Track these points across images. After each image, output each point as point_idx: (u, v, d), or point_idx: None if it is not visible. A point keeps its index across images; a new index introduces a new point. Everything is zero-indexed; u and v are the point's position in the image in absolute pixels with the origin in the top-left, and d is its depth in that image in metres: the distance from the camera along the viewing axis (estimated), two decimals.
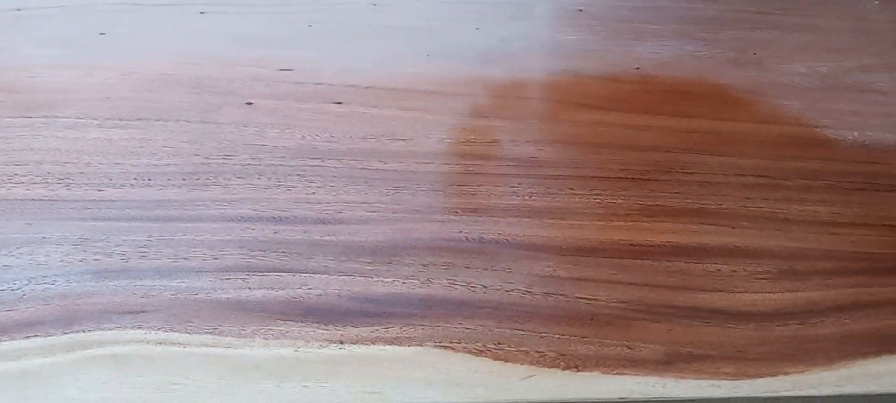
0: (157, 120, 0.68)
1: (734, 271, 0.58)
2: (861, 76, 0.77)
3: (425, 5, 0.82)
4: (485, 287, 0.57)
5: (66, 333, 0.53)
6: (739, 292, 0.57)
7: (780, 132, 0.70)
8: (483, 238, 0.60)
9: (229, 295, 0.56)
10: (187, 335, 0.54)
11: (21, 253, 0.57)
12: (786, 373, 0.53)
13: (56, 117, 0.67)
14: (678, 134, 0.69)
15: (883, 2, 0.88)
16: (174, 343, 0.53)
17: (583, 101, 0.72)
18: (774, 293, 0.57)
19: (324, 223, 0.60)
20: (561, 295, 0.57)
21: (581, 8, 0.83)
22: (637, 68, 0.76)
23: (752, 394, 0.52)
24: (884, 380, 0.53)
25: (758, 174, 0.66)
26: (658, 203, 0.63)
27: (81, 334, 0.53)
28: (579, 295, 0.57)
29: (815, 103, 0.73)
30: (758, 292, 0.57)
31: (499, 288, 0.57)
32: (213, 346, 0.53)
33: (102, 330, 0.54)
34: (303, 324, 0.54)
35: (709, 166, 0.66)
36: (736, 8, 0.84)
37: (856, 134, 0.70)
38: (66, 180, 0.62)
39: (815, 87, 0.75)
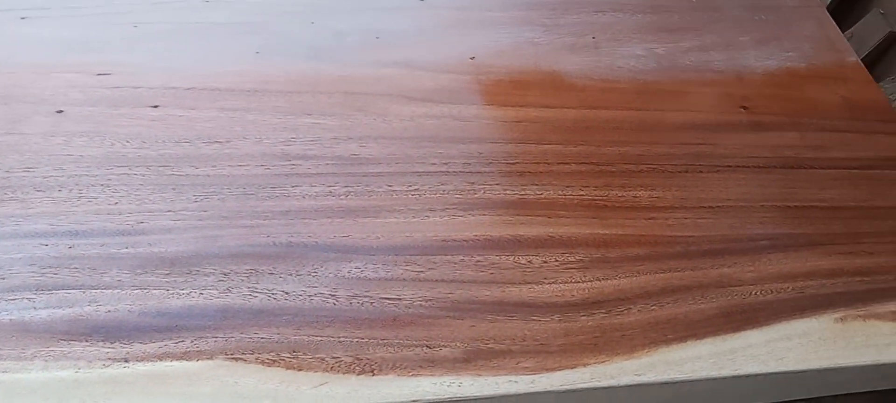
0: None
1: (545, 262, 0.57)
2: (699, 55, 0.77)
3: (260, 1, 0.79)
4: (287, 293, 0.55)
5: None
6: (548, 283, 0.56)
7: (609, 117, 0.69)
8: (292, 241, 0.58)
9: (13, 317, 0.53)
10: None
11: None
12: (585, 364, 0.52)
13: None
14: (505, 124, 0.68)
15: None
16: None
17: (413, 95, 0.70)
18: (583, 282, 0.56)
19: (123, 235, 0.58)
20: (366, 296, 0.55)
21: None
22: (472, 58, 0.74)
23: (549, 388, 0.51)
24: (685, 367, 0.52)
25: (581, 161, 0.65)
26: (477, 196, 0.62)
27: None
28: (384, 296, 0.55)
29: (648, 85, 0.72)
30: (566, 282, 0.56)
31: (301, 293, 0.55)
32: None
33: None
34: (87, 344, 0.51)
35: (533, 155, 0.65)
36: None
37: (684, 114, 0.69)
38: None
39: (651, 69, 0.75)
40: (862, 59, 1.50)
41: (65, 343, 0.51)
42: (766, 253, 0.59)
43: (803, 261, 0.59)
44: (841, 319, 0.56)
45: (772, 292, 0.57)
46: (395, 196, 0.61)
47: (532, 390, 0.51)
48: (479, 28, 0.78)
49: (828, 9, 1.57)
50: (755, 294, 0.56)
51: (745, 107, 0.71)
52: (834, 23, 0.81)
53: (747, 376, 0.53)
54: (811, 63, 0.76)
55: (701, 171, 0.64)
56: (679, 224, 0.60)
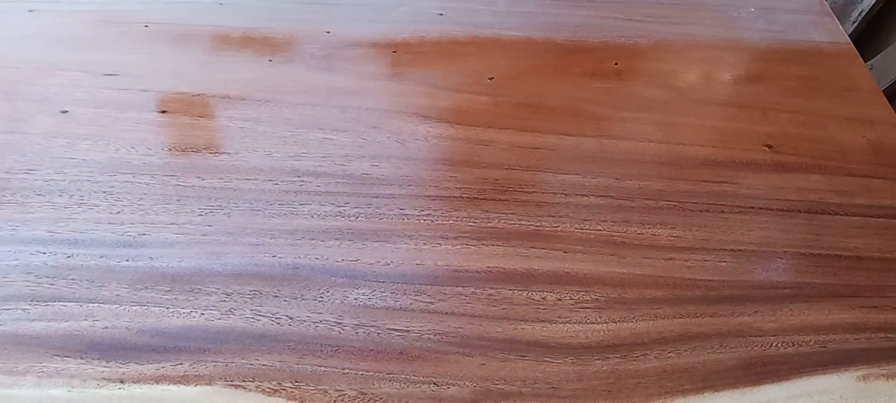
0: None
1: (560, 299, 0.55)
2: (725, 89, 0.75)
3: (275, 6, 0.77)
4: (291, 318, 0.53)
5: None
6: (562, 322, 0.54)
7: (630, 149, 0.67)
8: (298, 263, 0.56)
9: (6, 328, 0.51)
10: None
11: None
12: None
13: None
14: (523, 150, 0.66)
15: (759, 9, 0.86)
16: None
17: (428, 113, 0.68)
18: (599, 323, 0.54)
19: (124, 246, 0.56)
20: (372, 326, 0.53)
21: (441, 12, 0.79)
22: (491, 78, 0.72)
23: None
24: None
25: (600, 194, 0.63)
26: (491, 225, 0.60)
27: None
28: (392, 327, 0.53)
29: (671, 117, 0.70)
30: (581, 322, 0.54)
31: (306, 319, 0.53)
32: None
33: None
34: (82, 361, 0.49)
35: (550, 185, 0.63)
36: (603, 14, 0.81)
37: (706, 150, 0.67)
38: None
39: (674, 100, 0.72)
40: (882, 92, 1.48)
41: (59, 359, 0.49)
42: (789, 303, 0.57)
43: (826, 314, 0.57)
44: (863, 377, 0.54)
45: (793, 345, 0.55)
46: (406, 220, 0.59)
47: None
48: (499, 47, 0.76)
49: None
50: (776, 346, 0.54)
51: (769, 146, 0.68)
52: (863, 63, 0.79)
53: None
54: (838, 104, 0.74)
55: (723, 212, 0.62)
56: (699, 266, 0.58)
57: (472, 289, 0.56)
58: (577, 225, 0.60)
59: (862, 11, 1.59)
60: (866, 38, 1.57)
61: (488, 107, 0.69)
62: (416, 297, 0.55)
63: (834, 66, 0.79)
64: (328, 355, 0.51)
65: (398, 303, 0.54)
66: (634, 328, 0.54)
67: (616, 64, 0.75)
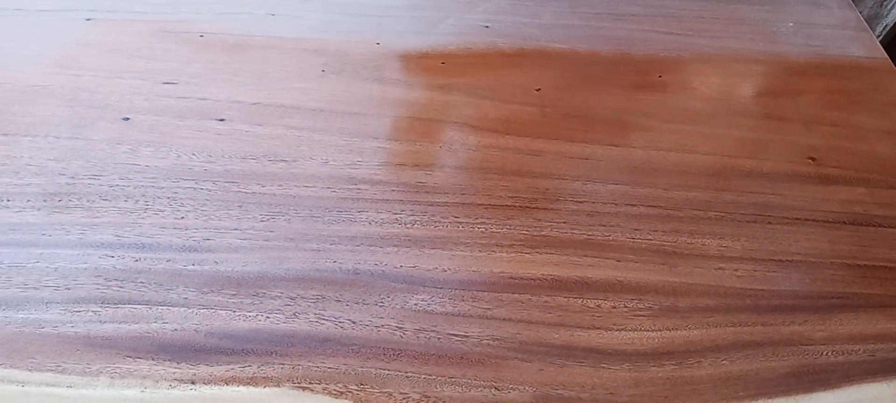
0: (25, 135, 0.64)
1: (614, 307, 0.57)
2: (767, 101, 0.76)
3: (326, 18, 0.79)
4: (354, 322, 0.54)
5: None
6: (617, 329, 0.55)
7: (677, 160, 0.68)
8: (358, 269, 0.57)
9: (78, 329, 0.52)
10: (28, 372, 0.50)
11: None
12: None
13: None
14: (572, 160, 0.67)
15: (798, 24, 0.87)
16: (13, 381, 0.50)
17: (478, 124, 0.69)
18: (653, 331, 0.55)
19: (190, 251, 0.57)
20: (433, 331, 0.54)
21: (487, 25, 0.81)
22: (538, 89, 0.74)
23: None
24: None
25: (649, 204, 0.64)
26: (543, 233, 0.61)
27: None
28: (452, 332, 0.54)
29: (715, 129, 0.72)
30: (636, 330, 0.55)
31: (368, 323, 0.54)
32: (54, 385, 0.50)
33: None
34: (153, 362, 0.51)
35: (600, 195, 0.64)
36: (645, 28, 0.82)
37: (750, 161, 0.68)
38: None
39: (718, 112, 0.74)
40: None
41: (131, 360, 0.51)
42: (837, 313, 0.58)
43: (874, 323, 0.58)
44: None
45: (843, 353, 0.56)
46: (461, 228, 0.61)
47: None
48: (545, 59, 0.77)
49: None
50: (826, 354, 0.55)
51: (813, 159, 0.70)
52: None
53: None
54: (878, 118, 0.75)
55: (770, 223, 0.64)
56: (749, 276, 0.60)
57: (528, 296, 0.57)
58: (628, 235, 0.62)
59: (886, 26, 1.60)
60: (890, 53, 1.58)
61: (536, 117, 0.71)
62: (474, 303, 0.56)
63: (872, 80, 0.80)
64: (391, 358, 0.53)
65: (457, 309, 0.56)
66: (688, 336, 0.56)
67: (660, 76, 0.77)
